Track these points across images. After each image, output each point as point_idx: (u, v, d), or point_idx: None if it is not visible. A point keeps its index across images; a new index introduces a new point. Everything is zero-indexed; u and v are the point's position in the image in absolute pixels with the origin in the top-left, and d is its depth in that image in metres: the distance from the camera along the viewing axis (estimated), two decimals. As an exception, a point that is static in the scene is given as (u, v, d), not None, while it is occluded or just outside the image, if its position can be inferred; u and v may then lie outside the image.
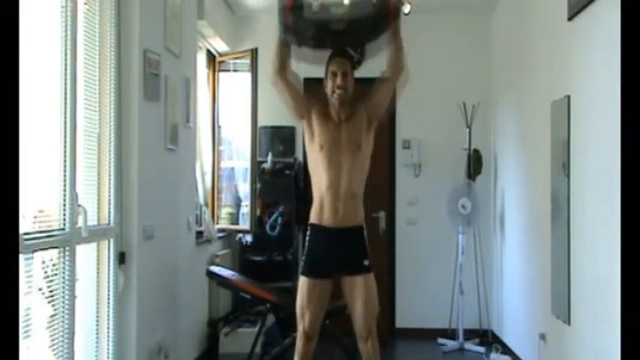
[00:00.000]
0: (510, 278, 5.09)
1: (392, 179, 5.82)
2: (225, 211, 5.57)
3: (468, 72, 5.81)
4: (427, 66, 5.81)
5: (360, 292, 3.03)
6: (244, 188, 5.48)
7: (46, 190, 2.57)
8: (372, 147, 3.20)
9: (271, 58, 3.15)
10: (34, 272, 2.37)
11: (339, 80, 3.08)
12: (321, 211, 3.10)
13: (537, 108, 4.20)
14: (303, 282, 3.09)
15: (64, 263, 2.62)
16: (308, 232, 3.15)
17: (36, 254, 2.38)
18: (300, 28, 3.00)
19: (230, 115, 5.58)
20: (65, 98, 2.63)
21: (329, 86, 3.12)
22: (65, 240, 2.62)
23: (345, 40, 3.13)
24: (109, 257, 3.12)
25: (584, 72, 3.32)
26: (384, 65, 3.18)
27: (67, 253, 2.63)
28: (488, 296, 5.57)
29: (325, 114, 3.15)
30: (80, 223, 2.75)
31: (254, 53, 5.24)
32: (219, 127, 5.53)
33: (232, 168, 5.66)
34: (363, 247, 3.10)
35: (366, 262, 3.07)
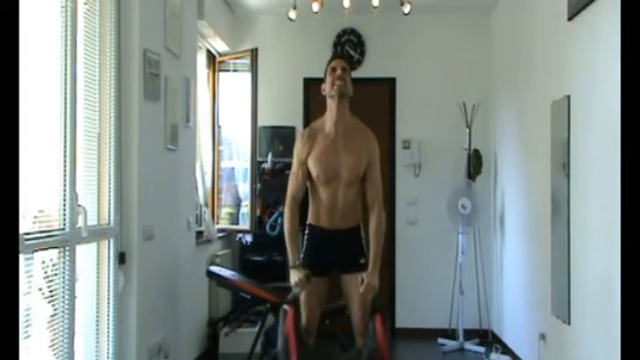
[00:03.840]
0: (510, 278, 5.09)
1: (392, 179, 5.82)
2: (225, 211, 5.57)
3: (468, 72, 5.81)
4: (427, 66, 5.82)
5: (356, 289, 3.04)
6: (244, 188, 5.48)
7: (46, 190, 2.57)
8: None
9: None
10: (34, 272, 2.37)
11: (338, 71, 3.11)
12: (317, 215, 3.15)
13: (537, 108, 4.20)
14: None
15: (64, 263, 2.62)
16: (306, 232, 3.18)
17: (36, 254, 2.38)
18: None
19: (230, 115, 5.59)
20: (65, 98, 2.63)
21: (328, 81, 3.14)
22: (65, 240, 2.62)
23: None
24: (109, 257, 3.12)
25: (584, 72, 3.32)
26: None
27: (67, 253, 2.63)
28: (488, 296, 5.57)
29: (320, 139, 3.13)
30: (80, 223, 2.75)
31: (254, 53, 5.24)
32: (219, 127, 5.53)
33: (232, 168, 5.66)
34: (359, 246, 3.13)
35: (362, 261, 3.09)
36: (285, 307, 3.06)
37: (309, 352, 3.09)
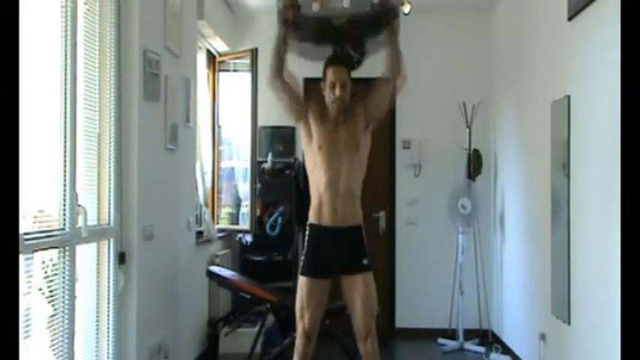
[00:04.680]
0: (510, 278, 5.09)
1: (392, 179, 5.82)
2: (225, 211, 5.57)
3: (468, 72, 5.81)
4: (427, 66, 5.81)
5: (359, 291, 3.03)
6: (244, 188, 5.48)
7: (46, 190, 2.57)
8: (370, 147, 3.20)
9: (269, 60, 3.15)
10: (34, 272, 2.37)
11: (337, 92, 3.09)
12: (319, 210, 3.10)
13: (537, 108, 4.20)
14: (302, 282, 3.09)
15: (64, 263, 2.62)
16: (307, 232, 3.15)
17: (36, 254, 2.38)
18: (300, 23, 3.02)
19: (230, 115, 5.58)
20: (65, 98, 2.63)
21: (327, 94, 3.13)
22: (65, 240, 2.62)
23: (345, 35, 3.13)
24: (109, 257, 3.12)
25: (584, 72, 3.32)
26: (384, 67, 3.18)
27: (67, 253, 2.63)
28: (488, 296, 5.57)
29: (323, 115, 3.16)
30: (80, 223, 2.75)
31: (254, 53, 5.24)
32: (219, 127, 5.53)
33: (232, 168, 5.66)
34: (361, 247, 3.10)
35: (365, 261, 3.07)
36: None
37: None
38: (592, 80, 3.20)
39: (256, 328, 4.34)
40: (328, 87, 3.12)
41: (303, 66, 6.05)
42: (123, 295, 3.20)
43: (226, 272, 4.51)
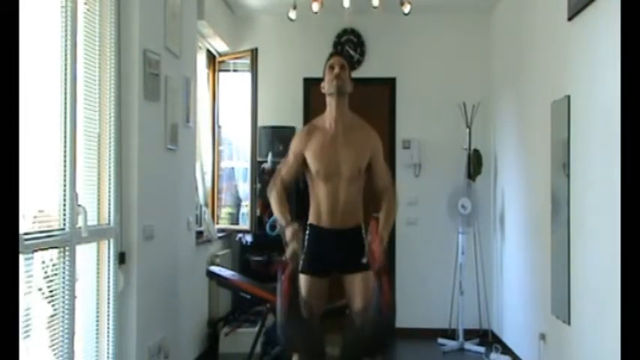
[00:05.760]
0: (510, 278, 5.09)
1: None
2: (225, 211, 5.57)
3: (468, 72, 5.81)
4: (427, 66, 5.82)
5: (358, 289, 3.06)
6: (244, 188, 5.48)
7: (46, 190, 2.57)
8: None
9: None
10: (34, 272, 2.37)
11: (336, 70, 3.13)
12: (319, 214, 3.16)
13: (537, 108, 4.20)
14: (302, 280, 3.11)
15: (64, 263, 2.62)
16: (307, 232, 3.17)
17: (36, 254, 2.38)
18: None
19: (230, 115, 5.59)
20: (65, 98, 2.63)
21: (327, 79, 3.16)
22: (65, 240, 2.62)
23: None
24: (109, 257, 3.12)
25: (584, 72, 3.32)
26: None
27: (67, 253, 2.63)
28: (489, 296, 5.57)
29: (320, 134, 3.16)
30: (80, 223, 2.75)
31: (254, 53, 5.24)
32: (219, 127, 5.53)
33: (232, 168, 5.66)
34: (361, 246, 3.12)
35: (364, 260, 3.08)
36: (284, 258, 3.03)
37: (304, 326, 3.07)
38: (592, 80, 3.20)
39: (256, 328, 4.35)
40: (328, 72, 3.16)
41: (303, 66, 6.08)
42: (123, 295, 3.20)
43: (226, 272, 4.51)
